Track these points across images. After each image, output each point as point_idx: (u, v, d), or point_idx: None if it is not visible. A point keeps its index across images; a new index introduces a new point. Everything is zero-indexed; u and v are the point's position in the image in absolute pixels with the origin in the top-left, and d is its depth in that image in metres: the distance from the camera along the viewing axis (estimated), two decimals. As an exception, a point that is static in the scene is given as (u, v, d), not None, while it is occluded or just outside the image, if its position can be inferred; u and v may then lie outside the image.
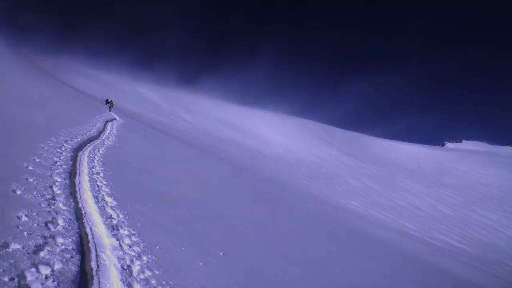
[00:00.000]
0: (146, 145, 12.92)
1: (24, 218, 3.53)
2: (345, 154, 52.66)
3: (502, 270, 15.81)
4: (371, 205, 24.94)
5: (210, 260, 4.36)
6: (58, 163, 5.85)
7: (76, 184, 5.30)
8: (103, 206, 4.74)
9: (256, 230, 6.99)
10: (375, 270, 7.52)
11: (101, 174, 6.21)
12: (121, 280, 3.20)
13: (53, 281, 2.79)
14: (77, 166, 6.28)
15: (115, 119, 16.58)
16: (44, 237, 3.34)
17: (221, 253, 4.72)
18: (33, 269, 2.83)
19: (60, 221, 3.81)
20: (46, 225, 3.59)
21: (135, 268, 3.48)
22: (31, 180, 4.59)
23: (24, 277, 2.71)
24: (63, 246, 3.33)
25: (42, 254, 3.08)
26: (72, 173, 5.71)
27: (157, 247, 4.10)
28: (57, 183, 4.90)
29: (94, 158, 7.30)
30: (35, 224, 3.51)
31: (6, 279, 2.59)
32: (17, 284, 2.58)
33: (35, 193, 4.21)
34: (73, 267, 3.06)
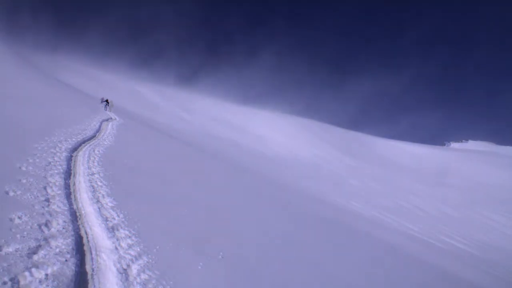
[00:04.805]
0: (144, 145, 12.84)
1: (17, 220, 3.45)
2: (346, 154, 52.56)
3: (506, 272, 15.70)
4: (373, 206, 24.84)
5: (209, 262, 4.27)
6: (53, 163, 5.77)
7: (72, 185, 5.21)
8: (101, 207, 4.66)
9: (255, 231, 6.90)
10: (377, 272, 7.43)
11: (98, 175, 6.12)
12: (118, 283, 3.12)
13: (48, 285, 2.72)
14: (74, 166, 6.20)
15: (113, 118, 16.49)
16: (40, 240, 3.27)
17: (220, 255, 4.63)
18: (27, 273, 2.76)
19: (56, 223, 3.73)
20: (41, 227, 3.52)
21: (134, 270, 3.41)
22: (25, 181, 4.50)
23: (18, 281, 2.64)
24: (59, 249, 3.26)
25: (37, 257, 3.01)
26: (68, 174, 5.63)
27: (156, 248, 4.02)
28: (52, 184, 4.82)
29: (91, 158, 7.21)
30: (30, 226, 3.43)
31: (0, 282, 2.52)
32: (11, 288, 2.52)
33: (29, 195, 4.13)
34: (67, 271, 2.98)
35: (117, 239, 3.88)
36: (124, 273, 3.30)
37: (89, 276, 3.08)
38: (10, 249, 2.94)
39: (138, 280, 3.27)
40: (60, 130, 8.82)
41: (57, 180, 5.08)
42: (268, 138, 47.21)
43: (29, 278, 2.71)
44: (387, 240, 12.70)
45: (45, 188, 4.57)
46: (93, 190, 5.24)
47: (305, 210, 12.59)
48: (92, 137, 9.92)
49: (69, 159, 6.49)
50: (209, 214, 6.63)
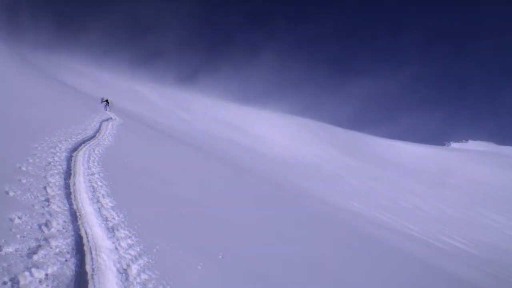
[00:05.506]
0: (144, 145, 12.84)
1: (17, 220, 3.45)
2: (346, 154, 52.57)
3: (506, 272, 15.71)
4: (373, 206, 24.83)
5: (209, 263, 4.27)
6: (53, 163, 5.77)
7: (72, 185, 5.22)
8: (101, 207, 4.66)
9: (255, 231, 6.90)
10: (377, 271, 7.43)
11: (98, 175, 6.12)
12: (117, 283, 3.12)
13: (48, 285, 2.72)
14: (74, 166, 6.20)
15: (113, 118, 16.49)
16: (40, 240, 3.27)
17: (220, 255, 4.63)
18: (27, 273, 2.76)
19: (56, 223, 3.74)
20: (41, 227, 3.52)
21: (134, 270, 3.41)
22: (25, 181, 4.50)
23: (18, 281, 2.64)
24: (59, 249, 3.26)
25: (37, 257, 3.01)
26: (68, 174, 5.63)
27: (156, 248, 4.01)
28: (52, 184, 4.82)
29: (91, 158, 7.21)
30: (30, 226, 3.43)
31: (0, 282, 2.52)
32: (10, 288, 2.52)
33: (29, 195, 4.13)
34: (67, 271, 2.98)
35: (117, 239, 3.88)
36: (124, 273, 3.30)
37: (89, 276, 3.08)
38: (10, 249, 2.94)
39: (138, 280, 3.27)
40: (60, 130, 8.82)
41: (57, 180, 5.08)
42: (268, 138, 47.18)
43: (29, 278, 2.71)
44: (387, 240, 12.70)
45: (45, 188, 4.57)
46: (93, 190, 5.24)
47: (305, 210, 12.59)
48: (92, 137, 9.92)
49: (69, 159, 6.50)
50: (209, 214, 6.63)
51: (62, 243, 3.36)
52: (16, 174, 4.64)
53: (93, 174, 6.07)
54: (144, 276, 3.36)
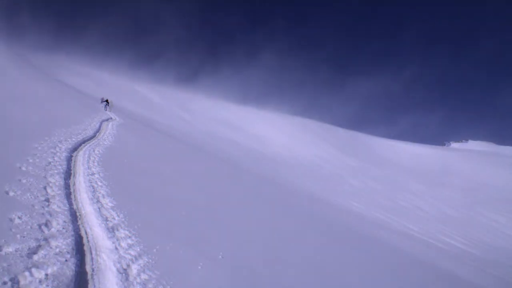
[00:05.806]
0: (144, 145, 12.85)
1: (17, 220, 3.45)
2: (346, 154, 52.57)
3: (506, 272, 15.71)
4: (373, 206, 24.83)
5: (209, 263, 4.27)
6: (53, 163, 5.77)
7: (72, 184, 5.22)
8: (101, 207, 4.66)
9: (255, 231, 6.90)
10: (377, 271, 7.43)
11: (98, 175, 6.13)
12: (118, 283, 3.12)
13: (48, 285, 2.72)
14: (74, 166, 6.20)
15: (113, 118, 16.50)
16: (40, 240, 3.27)
17: (220, 255, 4.63)
18: (27, 273, 2.76)
19: (56, 223, 3.74)
20: (41, 227, 3.52)
21: (134, 270, 3.41)
22: (25, 181, 4.51)
23: (18, 281, 2.64)
24: (59, 249, 3.26)
25: (37, 257, 3.01)
26: (68, 174, 5.63)
27: (156, 248, 4.02)
28: (52, 184, 4.83)
29: (91, 158, 7.21)
30: (30, 226, 3.44)
31: (0, 282, 2.52)
32: (10, 288, 2.52)
33: (29, 195, 4.13)
34: (67, 271, 2.98)
35: (117, 239, 3.88)
36: (124, 273, 3.30)
37: (89, 276, 3.08)
38: (10, 249, 2.94)
39: (138, 280, 3.27)
40: (60, 130, 8.83)
41: (57, 180, 5.08)
42: (268, 138, 47.16)
43: (29, 278, 2.71)
44: (387, 240, 12.70)
45: (45, 188, 4.57)
46: (93, 190, 5.24)
47: (305, 210, 12.60)
48: (92, 137, 9.93)
49: (69, 159, 6.50)
50: (209, 214, 6.63)
51: (62, 243, 3.36)
52: (16, 174, 4.64)
53: (93, 174, 6.07)
54: (144, 276, 3.36)
